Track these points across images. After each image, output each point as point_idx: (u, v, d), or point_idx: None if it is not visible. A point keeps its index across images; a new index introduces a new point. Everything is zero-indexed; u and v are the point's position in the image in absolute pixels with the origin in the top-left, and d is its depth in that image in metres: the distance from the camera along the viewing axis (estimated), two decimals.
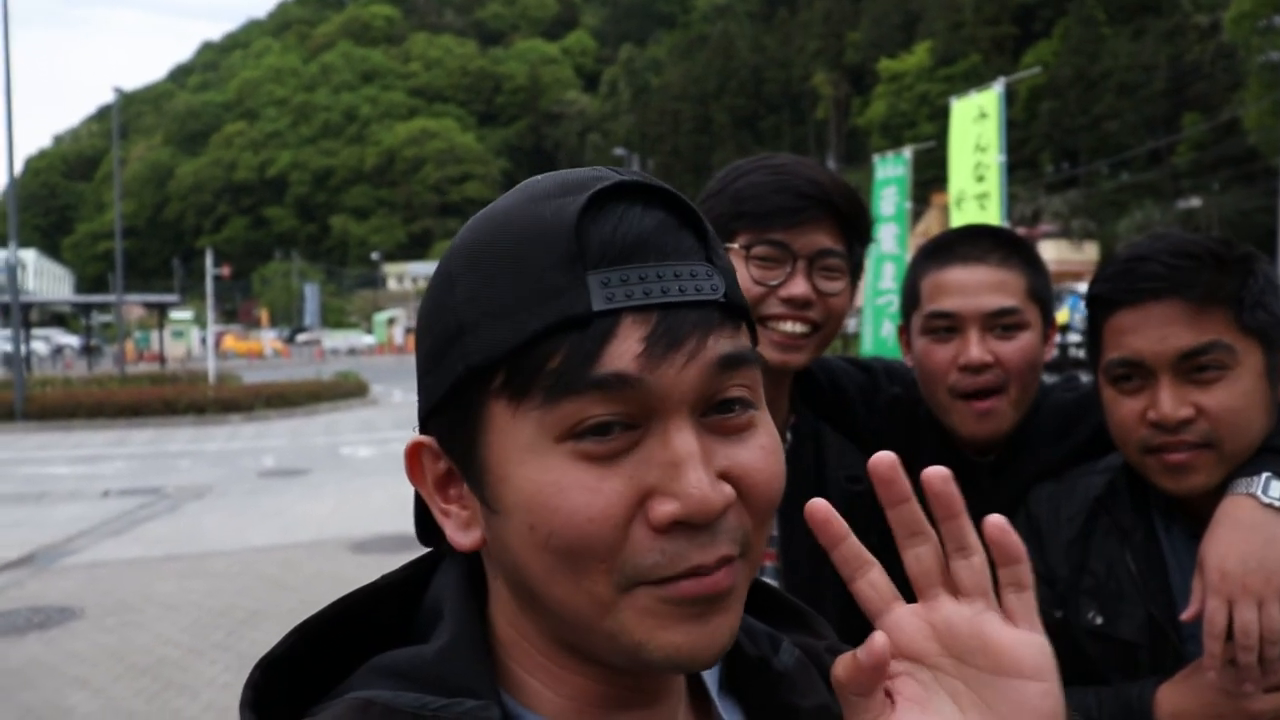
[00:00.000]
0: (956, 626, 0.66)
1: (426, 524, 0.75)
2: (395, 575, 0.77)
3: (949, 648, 0.67)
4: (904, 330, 1.79)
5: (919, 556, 0.68)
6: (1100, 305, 1.44)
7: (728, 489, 0.64)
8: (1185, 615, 1.32)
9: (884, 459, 0.68)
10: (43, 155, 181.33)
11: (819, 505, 0.68)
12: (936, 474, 0.67)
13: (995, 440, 1.70)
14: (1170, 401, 1.35)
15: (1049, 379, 1.86)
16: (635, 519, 0.63)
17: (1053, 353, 1.73)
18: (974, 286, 1.64)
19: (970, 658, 0.66)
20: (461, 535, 0.70)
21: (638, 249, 0.63)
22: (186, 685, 5.82)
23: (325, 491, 12.40)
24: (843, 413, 1.81)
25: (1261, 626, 1.24)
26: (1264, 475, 1.32)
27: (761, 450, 0.67)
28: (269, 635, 6.57)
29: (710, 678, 0.79)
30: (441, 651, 0.68)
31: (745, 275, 1.55)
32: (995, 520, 0.66)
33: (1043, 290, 1.69)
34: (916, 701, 0.66)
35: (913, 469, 1.92)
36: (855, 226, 1.63)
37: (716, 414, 0.65)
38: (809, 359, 1.61)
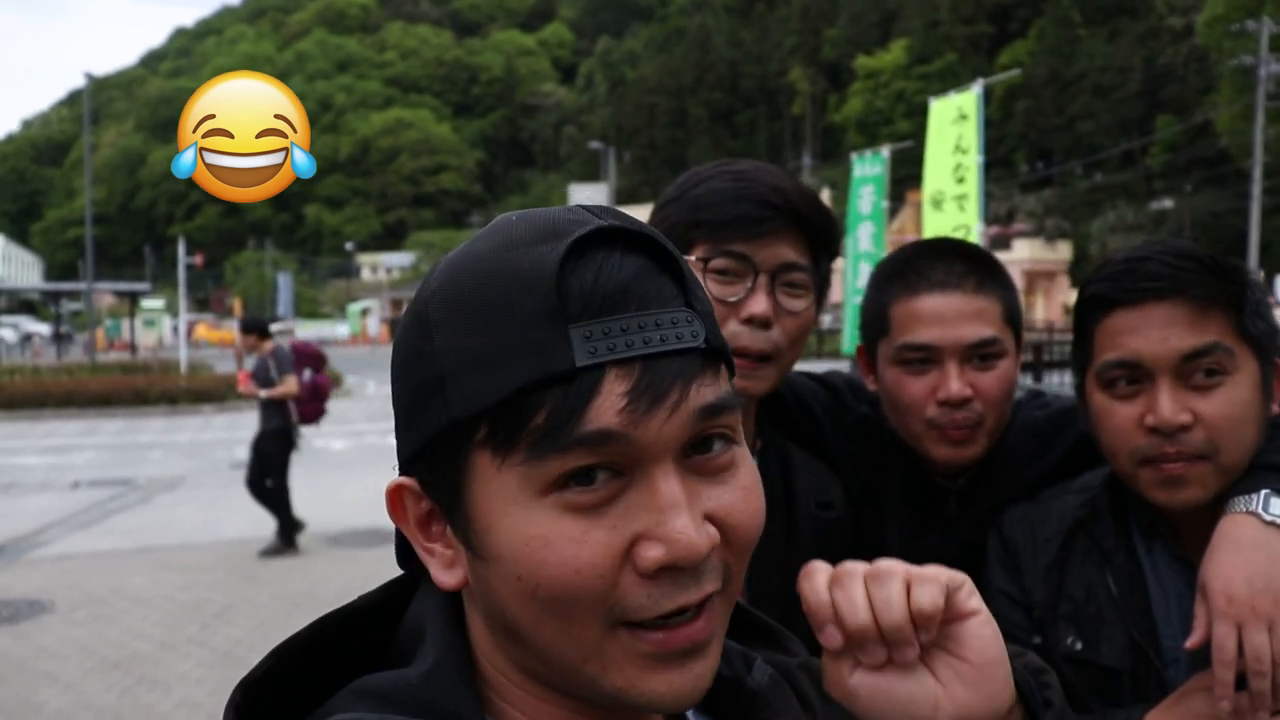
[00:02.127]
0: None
1: (407, 551, 0.75)
2: (372, 597, 0.77)
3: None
4: (863, 352, 1.71)
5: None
6: (1095, 306, 1.39)
7: (713, 531, 0.65)
8: (1189, 643, 1.25)
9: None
10: (11, 140, 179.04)
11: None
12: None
13: (967, 465, 1.64)
14: (1169, 405, 1.30)
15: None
16: (624, 567, 0.63)
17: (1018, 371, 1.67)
18: (951, 316, 1.55)
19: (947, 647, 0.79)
20: (445, 575, 0.70)
21: (619, 299, 0.63)
22: (158, 680, 5.77)
23: (298, 484, 12.26)
24: (811, 433, 1.73)
25: (1274, 650, 1.19)
26: (1263, 493, 1.27)
27: (744, 490, 0.67)
28: (242, 630, 6.52)
29: None
30: (426, 675, 0.68)
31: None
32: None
33: (1016, 311, 1.63)
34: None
35: (882, 489, 1.92)
36: (822, 239, 1.52)
37: (698, 454, 0.66)
38: (770, 386, 1.52)
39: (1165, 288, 1.32)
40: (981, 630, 0.79)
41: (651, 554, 0.62)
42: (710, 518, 0.65)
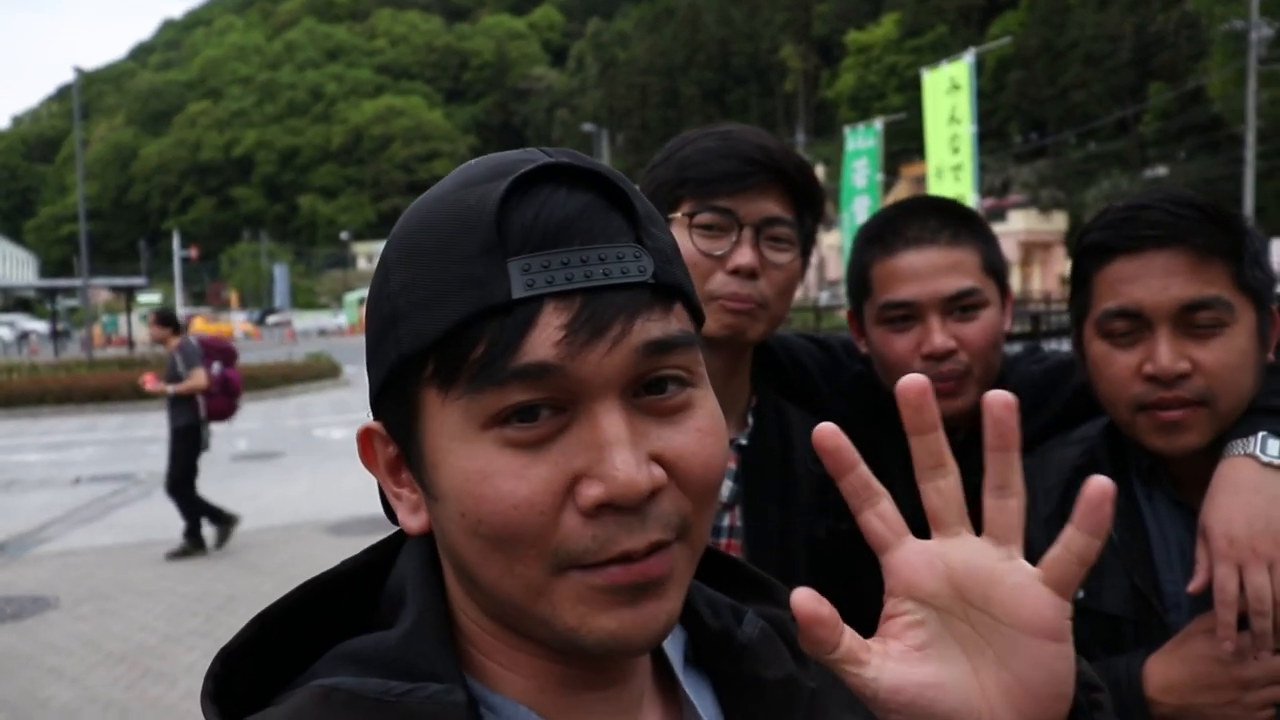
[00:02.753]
0: (976, 570, 0.64)
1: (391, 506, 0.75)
2: (357, 560, 0.77)
3: (963, 591, 0.64)
4: (853, 316, 1.73)
5: (940, 489, 0.66)
6: (1094, 255, 1.39)
7: (657, 471, 0.63)
8: (1192, 586, 1.26)
9: (823, 430, 0.67)
10: (1, 137, 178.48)
11: (826, 431, 0.67)
12: (998, 399, 0.65)
13: (961, 417, 1.64)
14: (1168, 354, 1.31)
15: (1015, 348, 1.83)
16: (565, 504, 0.62)
17: (1010, 321, 1.68)
18: (928, 271, 1.57)
19: (987, 605, 0.64)
20: (411, 519, 0.70)
21: (561, 233, 0.62)
22: (164, 673, 5.78)
23: (299, 474, 12.33)
24: (805, 391, 1.75)
25: (1275, 590, 1.20)
26: (1260, 435, 1.28)
27: (698, 433, 0.66)
28: (246, 620, 6.52)
29: (675, 652, 0.78)
30: (405, 636, 0.68)
31: (689, 245, 1.47)
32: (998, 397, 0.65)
33: (997, 261, 1.63)
34: (919, 648, 0.65)
35: (880, 448, 1.93)
36: (806, 195, 1.55)
37: (649, 394, 0.64)
38: (761, 334, 1.54)
39: (1166, 235, 1.31)
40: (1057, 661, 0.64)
41: (590, 492, 0.61)
42: (659, 459, 0.64)
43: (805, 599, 0.63)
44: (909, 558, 0.66)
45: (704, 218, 1.48)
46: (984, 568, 0.64)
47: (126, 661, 5.98)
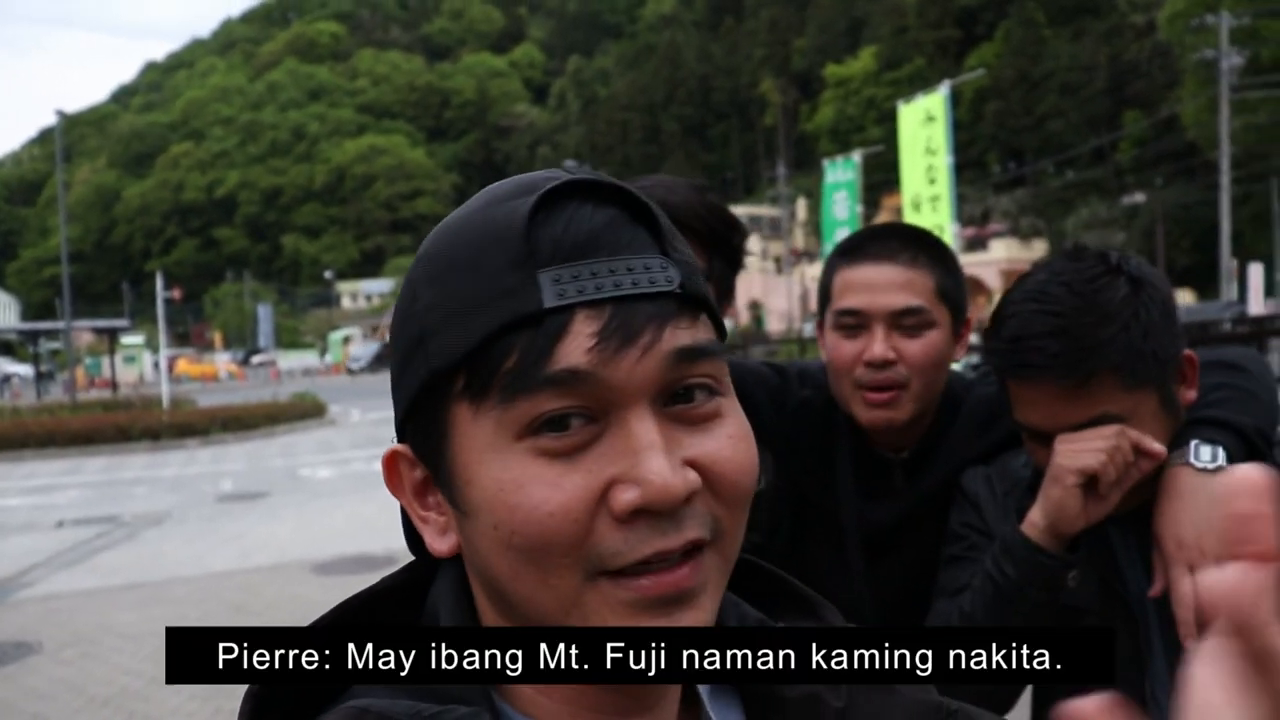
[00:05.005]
0: None
1: (414, 533, 0.74)
2: (394, 579, 0.77)
3: None
4: (820, 325, 1.83)
5: None
6: (998, 369, 1.49)
7: (692, 475, 0.63)
8: (1152, 592, 1.36)
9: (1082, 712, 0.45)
10: None
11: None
12: None
13: (905, 435, 1.75)
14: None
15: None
16: (599, 512, 0.63)
17: (964, 351, 1.78)
18: (881, 285, 1.68)
19: None
20: (439, 541, 0.70)
21: (589, 245, 0.64)
22: (149, 716, 5.73)
23: (285, 514, 12.26)
24: (749, 416, 1.81)
25: None
26: (1193, 444, 1.37)
27: (730, 439, 0.67)
28: None
29: None
30: None
31: None
32: None
33: (952, 289, 1.72)
34: None
35: (829, 468, 2.01)
36: (711, 239, 1.69)
37: (679, 403, 0.65)
38: None
39: (1041, 373, 1.41)
40: None
41: (626, 496, 0.62)
42: (694, 464, 0.64)
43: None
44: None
45: None
46: None
47: (111, 705, 5.92)
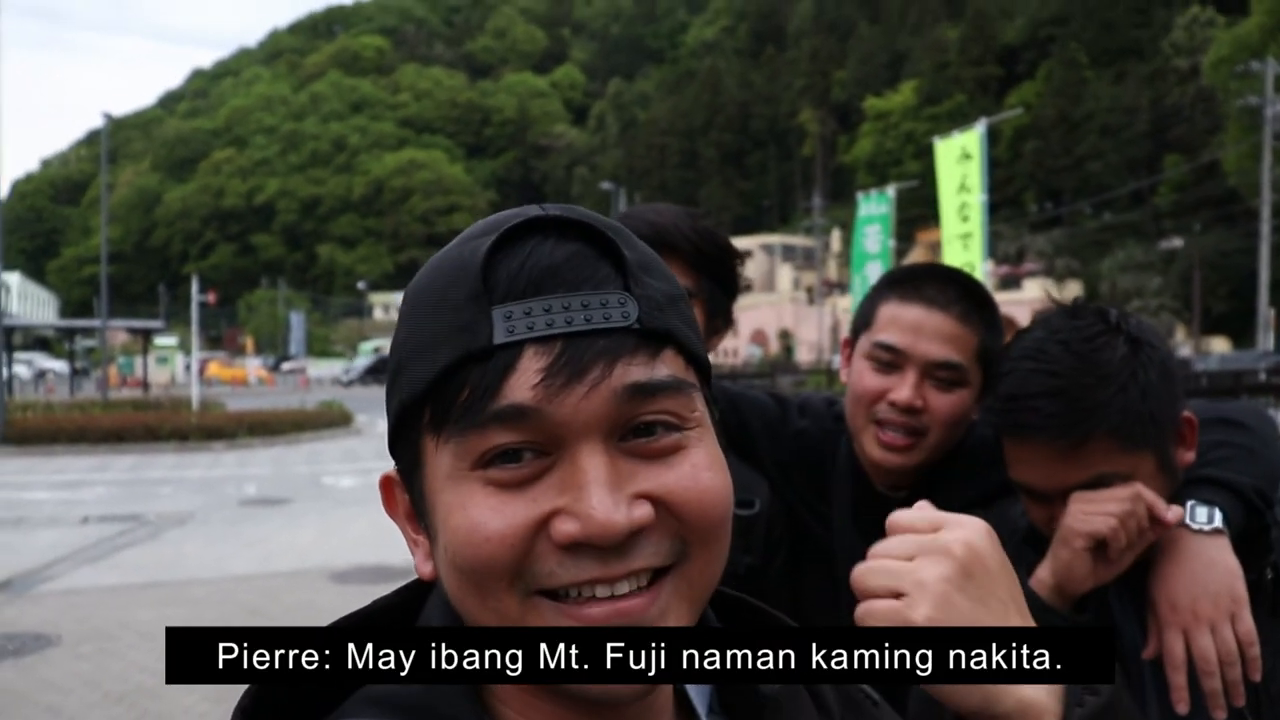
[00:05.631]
0: None
1: None
2: (389, 600, 0.78)
3: None
4: (848, 344, 1.80)
5: None
6: (994, 427, 1.47)
7: (639, 512, 0.63)
8: (1146, 653, 1.33)
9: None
10: (30, 179, 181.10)
11: None
12: None
13: (906, 475, 1.71)
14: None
15: None
16: (539, 537, 0.64)
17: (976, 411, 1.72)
18: (929, 331, 1.65)
19: None
20: (424, 564, 0.72)
21: (545, 281, 0.64)
22: (162, 714, 5.78)
23: (307, 521, 12.34)
24: (744, 443, 1.86)
25: (1218, 650, 1.25)
26: (1189, 504, 1.34)
27: (692, 468, 0.66)
28: None
29: (700, 701, 0.77)
30: None
31: None
32: None
33: (993, 353, 1.67)
34: None
35: (823, 498, 2.00)
36: (706, 263, 1.70)
37: (639, 438, 0.65)
38: None
39: (1037, 433, 1.38)
40: None
41: (565, 528, 0.62)
42: (649, 496, 0.64)
43: None
44: None
45: None
46: None
47: (124, 702, 5.97)
